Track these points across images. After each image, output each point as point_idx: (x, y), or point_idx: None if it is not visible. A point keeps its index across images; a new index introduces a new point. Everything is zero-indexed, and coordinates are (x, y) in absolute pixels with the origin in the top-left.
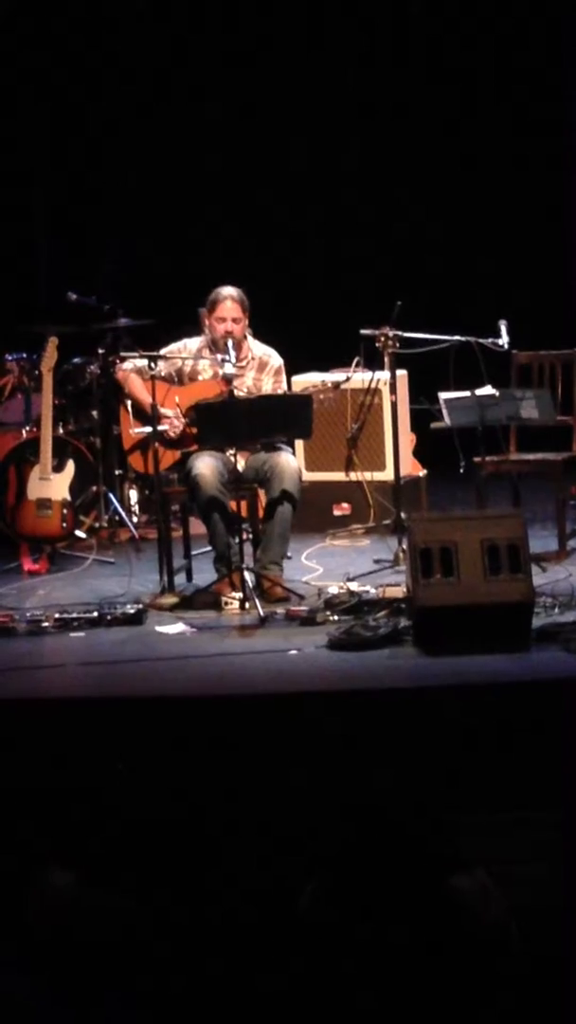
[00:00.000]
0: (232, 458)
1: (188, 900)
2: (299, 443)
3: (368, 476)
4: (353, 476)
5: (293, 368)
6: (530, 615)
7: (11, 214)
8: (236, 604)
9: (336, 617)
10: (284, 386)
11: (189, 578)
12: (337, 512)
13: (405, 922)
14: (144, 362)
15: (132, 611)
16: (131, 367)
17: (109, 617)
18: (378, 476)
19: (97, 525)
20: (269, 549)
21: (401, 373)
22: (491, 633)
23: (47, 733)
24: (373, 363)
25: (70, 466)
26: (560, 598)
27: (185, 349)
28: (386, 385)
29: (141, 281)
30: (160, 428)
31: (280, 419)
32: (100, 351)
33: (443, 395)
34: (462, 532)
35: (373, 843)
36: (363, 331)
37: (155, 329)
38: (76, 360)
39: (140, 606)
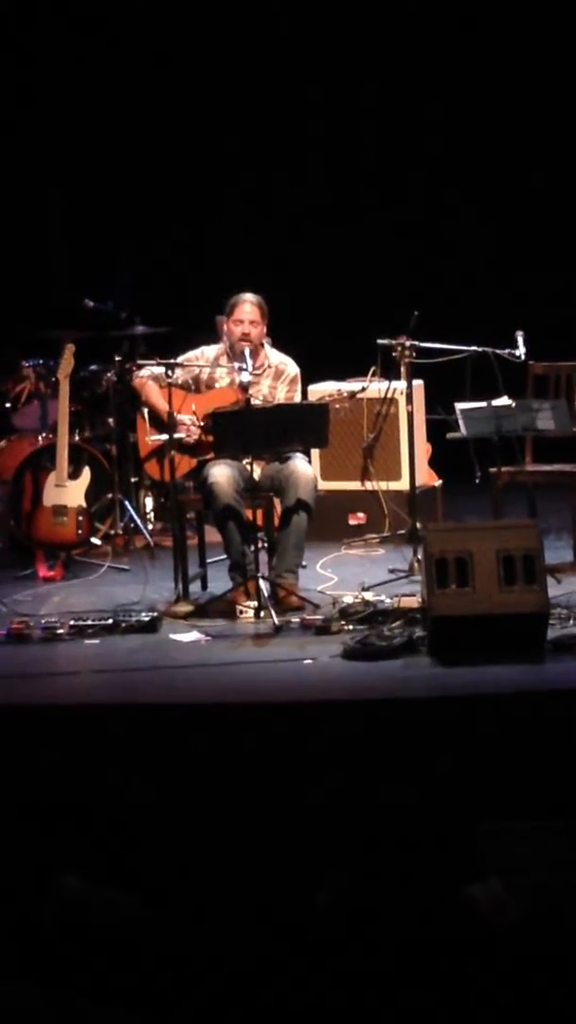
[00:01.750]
0: (248, 466)
1: (199, 906)
2: (315, 452)
3: (384, 486)
4: (369, 485)
5: (310, 377)
6: (545, 626)
7: (27, 220)
8: (251, 613)
9: (351, 626)
10: (298, 395)
11: (204, 586)
12: (352, 521)
13: (420, 928)
14: (161, 369)
15: (147, 619)
16: (148, 374)
17: (124, 624)
18: (394, 486)
19: (112, 532)
20: (284, 558)
21: (417, 383)
22: (506, 643)
23: (61, 740)
24: (390, 373)
25: (86, 473)
26: (575, 609)
27: (202, 356)
28: (402, 395)
29: (158, 288)
30: (176, 436)
31: (297, 428)
32: (117, 358)
33: (459, 405)
34: (477, 542)
35: (389, 851)
36: (380, 341)
37: (172, 336)
38: (93, 367)
39: (155, 614)
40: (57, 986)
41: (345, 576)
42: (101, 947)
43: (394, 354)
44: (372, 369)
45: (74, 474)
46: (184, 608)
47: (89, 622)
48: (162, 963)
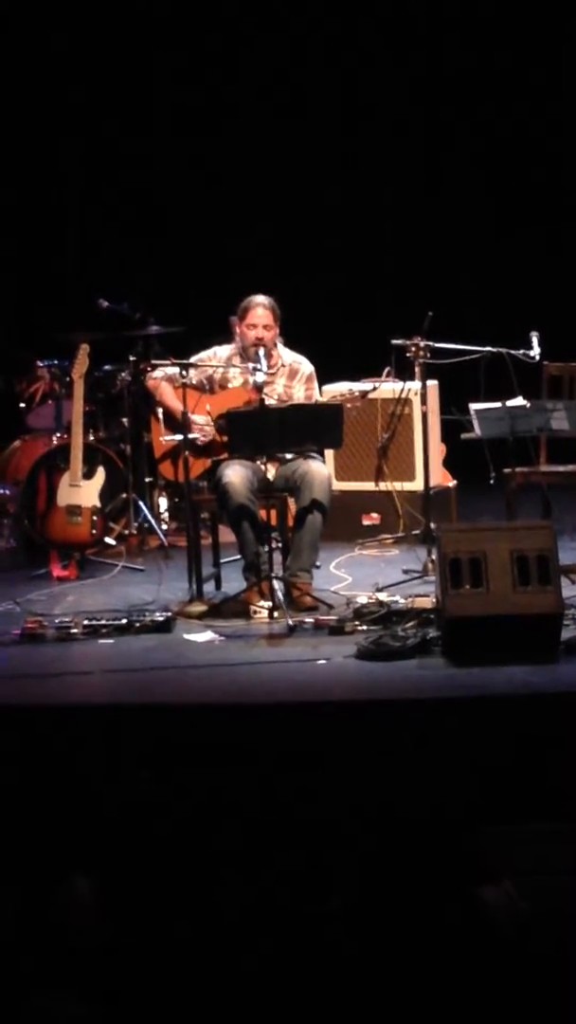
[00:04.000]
0: (262, 466)
1: (210, 906)
2: (329, 452)
3: (398, 486)
4: (383, 486)
5: (324, 377)
6: (559, 626)
7: (44, 221)
8: (265, 613)
9: (365, 627)
10: (316, 393)
11: (218, 586)
12: (366, 522)
13: (432, 930)
14: (175, 370)
15: (161, 619)
16: (162, 375)
17: (138, 624)
18: (408, 486)
19: (127, 532)
20: (299, 557)
21: (432, 383)
22: (520, 644)
23: (74, 740)
24: (404, 373)
25: (100, 473)
26: None
27: (215, 357)
28: (417, 395)
29: (172, 289)
30: (191, 436)
31: (311, 429)
32: (131, 358)
33: (474, 406)
34: (492, 543)
35: (401, 852)
36: (394, 341)
37: (186, 337)
38: (107, 367)
39: (169, 614)
40: (59, 988)
41: (359, 576)
42: (109, 948)
43: (408, 354)
44: (386, 369)
45: (88, 474)
46: (198, 608)
47: (103, 622)
48: (171, 966)
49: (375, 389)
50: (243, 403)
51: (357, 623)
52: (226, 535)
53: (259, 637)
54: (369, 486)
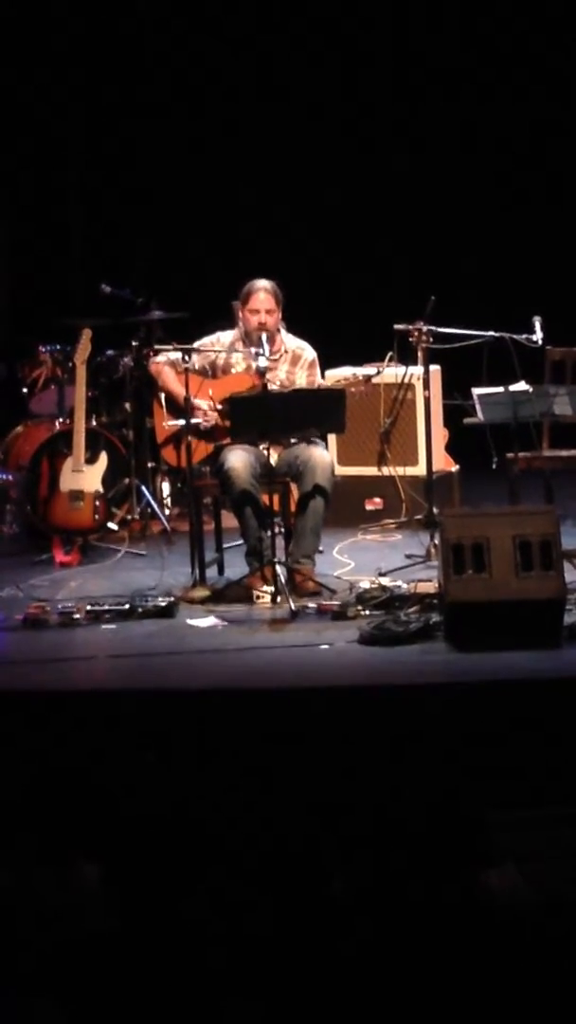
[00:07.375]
0: (265, 452)
1: (214, 891)
2: (332, 437)
3: (400, 471)
4: (385, 471)
5: (326, 362)
6: (561, 612)
7: (46, 206)
8: (267, 598)
9: (367, 612)
10: (318, 379)
11: (221, 571)
12: (369, 507)
13: (436, 913)
14: (177, 355)
15: (163, 604)
16: (164, 360)
17: (140, 610)
18: (410, 471)
19: (129, 517)
20: (301, 543)
21: (434, 368)
22: (522, 629)
23: (77, 725)
24: (407, 358)
25: (103, 458)
26: None
27: (218, 342)
28: (419, 380)
29: (175, 274)
30: (193, 421)
31: (314, 413)
32: (134, 343)
33: (476, 391)
34: (494, 528)
35: (403, 836)
36: (397, 326)
37: (188, 322)
38: (110, 352)
39: (171, 599)
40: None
41: (362, 561)
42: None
43: (411, 339)
44: (389, 354)
45: (91, 459)
46: (201, 593)
47: (106, 607)
48: (171, 953)
49: (379, 374)
50: (246, 388)
51: (360, 608)
52: (229, 520)
53: (262, 622)
54: (372, 471)
